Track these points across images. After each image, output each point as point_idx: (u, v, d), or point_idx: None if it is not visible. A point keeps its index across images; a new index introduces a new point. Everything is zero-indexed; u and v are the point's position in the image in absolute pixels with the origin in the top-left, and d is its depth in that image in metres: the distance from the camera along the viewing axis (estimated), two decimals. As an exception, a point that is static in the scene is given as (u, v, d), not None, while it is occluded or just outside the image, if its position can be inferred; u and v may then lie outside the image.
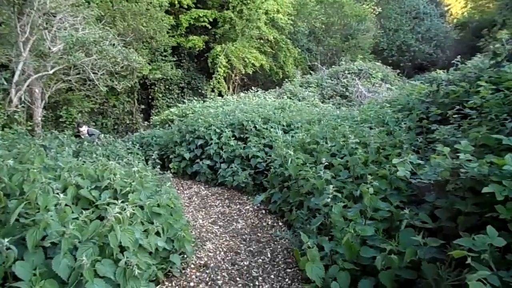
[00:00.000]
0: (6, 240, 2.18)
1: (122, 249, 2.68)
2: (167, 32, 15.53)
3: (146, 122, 15.57)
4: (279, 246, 4.43)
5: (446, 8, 35.58)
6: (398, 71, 17.55)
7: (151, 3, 14.19)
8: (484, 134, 2.93)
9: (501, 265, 2.00)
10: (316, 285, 2.64)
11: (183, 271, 3.78)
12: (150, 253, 3.08)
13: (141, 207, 3.36)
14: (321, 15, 21.80)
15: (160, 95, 17.34)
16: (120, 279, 2.43)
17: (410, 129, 5.01)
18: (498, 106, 3.60)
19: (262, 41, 18.70)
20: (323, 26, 22.30)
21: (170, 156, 8.18)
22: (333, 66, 16.75)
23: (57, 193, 2.81)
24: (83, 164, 3.83)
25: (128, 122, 16.37)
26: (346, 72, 15.45)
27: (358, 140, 4.50)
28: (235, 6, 16.75)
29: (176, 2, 16.18)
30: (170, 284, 3.53)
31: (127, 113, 16.55)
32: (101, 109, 15.74)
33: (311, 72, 18.30)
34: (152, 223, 3.24)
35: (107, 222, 2.49)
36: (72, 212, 2.86)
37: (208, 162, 7.30)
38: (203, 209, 5.92)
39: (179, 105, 13.18)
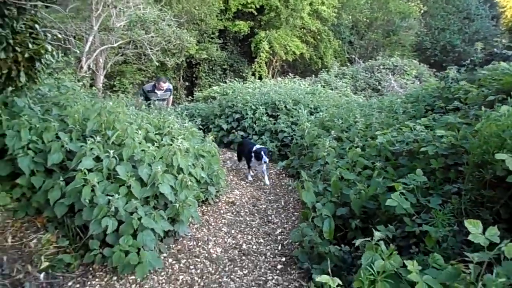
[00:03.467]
0: (112, 151, 3.46)
1: (179, 171, 3.93)
2: (216, 16, 16.78)
3: (189, 97, 16.96)
4: (291, 198, 5.58)
5: (501, 10, 34.38)
6: (434, 70, 17.92)
7: (204, -13, 15.47)
8: (447, 118, 3.91)
9: (425, 196, 3.06)
10: (308, 206, 3.79)
11: (216, 203, 5.05)
12: (197, 181, 4.33)
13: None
14: (366, 9, 22.34)
15: (204, 74, 18.69)
16: (178, 187, 3.68)
17: (414, 117, 5.96)
18: (474, 100, 4.54)
19: (304, 30, 19.60)
20: (367, 20, 22.83)
21: (210, 126, 9.43)
22: (370, 60, 17.42)
23: (136, 131, 4.09)
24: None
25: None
26: (381, 67, 16.14)
27: (363, 120, 5.53)
28: (282, -4, 17.72)
29: (227, -12, 17.37)
30: (206, 208, 4.83)
31: (173, 88, 18.07)
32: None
33: (348, 64, 19.04)
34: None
35: (172, 148, 3.74)
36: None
37: (242, 133, 8.48)
38: (234, 170, 7.12)
39: (221, 84, 14.46)
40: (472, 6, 27.45)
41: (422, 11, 24.31)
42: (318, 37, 19.99)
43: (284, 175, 6.74)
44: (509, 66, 4.44)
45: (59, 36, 4.87)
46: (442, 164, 3.15)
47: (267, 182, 6.17)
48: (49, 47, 3.86)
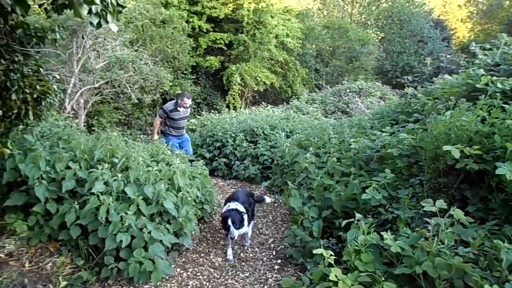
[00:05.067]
0: (120, 174, 3.88)
1: (178, 190, 4.37)
2: (188, 53, 17.54)
3: (167, 132, 17.33)
4: (278, 213, 6.06)
5: (451, 33, 37.10)
6: (397, 90, 19.18)
7: (175, 27, 16.25)
8: (407, 128, 4.58)
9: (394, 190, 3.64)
10: (296, 212, 4.29)
11: (211, 221, 5.47)
12: (193, 200, 4.77)
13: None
14: (328, 38, 23.80)
15: (179, 109, 19.20)
16: (179, 203, 4.11)
17: (381, 131, 6.65)
18: (430, 110, 5.25)
19: (273, 61, 20.62)
20: (330, 48, 24.29)
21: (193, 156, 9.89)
22: (337, 85, 18.49)
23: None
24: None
25: (149, 132, 18.28)
26: (348, 90, 17.20)
27: (337, 136, 6.16)
28: (249, 31, 18.73)
29: (197, 27, 18.26)
30: (203, 226, 5.24)
31: (149, 124, 18.48)
32: (126, 120, 17.69)
33: (317, 90, 20.08)
34: (193, 183, 4.95)
35: (172, 169, 4.20)
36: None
37: (224, 160, 8.96)
38: (221, 194, 7.54)
39: (198, 117, 15.04)
40: (425, 30, 29.60)
41: (380, 38, 26.00)
42: (286, 66, 21.04)
43: (268, 194, 7.22)
44: (453, 79, 5.20)
45: (57, 77, 5.30)
46: (406, 163, 3.77)
47: (246, 243, 4.84)
48: (55, 87, 4.30)
